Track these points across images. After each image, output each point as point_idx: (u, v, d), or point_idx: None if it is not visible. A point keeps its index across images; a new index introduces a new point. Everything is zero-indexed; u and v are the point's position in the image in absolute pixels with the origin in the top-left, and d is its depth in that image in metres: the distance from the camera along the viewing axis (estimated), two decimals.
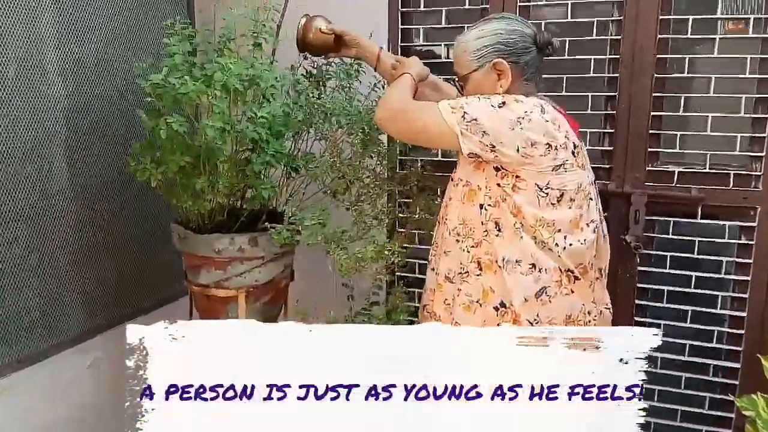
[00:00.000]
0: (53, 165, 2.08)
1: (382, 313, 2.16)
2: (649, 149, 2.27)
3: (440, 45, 2.50)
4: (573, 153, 1.60)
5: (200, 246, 1.96)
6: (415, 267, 2.50)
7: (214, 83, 1.66)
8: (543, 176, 1.55)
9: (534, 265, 1.58)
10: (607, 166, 2.33)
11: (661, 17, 2.19)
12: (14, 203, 1.97)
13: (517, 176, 1.56)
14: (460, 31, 2.34)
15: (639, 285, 2.34)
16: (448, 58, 2.45)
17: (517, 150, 1.51)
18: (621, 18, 2.24)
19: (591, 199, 1.67)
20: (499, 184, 1.57)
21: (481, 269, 1.62)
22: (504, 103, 1.53)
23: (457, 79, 1.72)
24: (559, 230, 1.59)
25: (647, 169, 2.27)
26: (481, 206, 1.60)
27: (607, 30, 2.30)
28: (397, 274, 2.49)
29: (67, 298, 2.18)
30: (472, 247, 1.62)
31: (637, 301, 2.35)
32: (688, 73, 2.20)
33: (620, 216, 2.31)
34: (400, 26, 2.51)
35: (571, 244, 1.60)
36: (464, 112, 1.53)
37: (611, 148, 2.32)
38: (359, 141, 1.89)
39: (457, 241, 1.65)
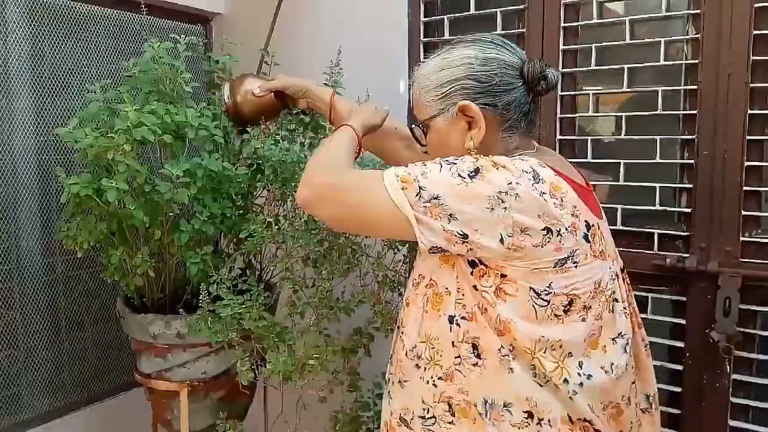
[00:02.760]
0: (23, 227, 1.90)
1: None
2: (745, 212, 1.64)
3: None
4: (586, 237, 1.06)
5: (136, 329, 1.63)
6: None
7: (119, 135, 1.34)
8: (541, 276, 1.04)
9: (531, 414, 1.05)
10: (685, 234, 1.72)
11: (755, 32, 1.59)
12: None
13: (502, 275, 1.04)
14: (491, 21, 1.95)
15: (734, 400, 1.68)
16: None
17: (501, 240, 1.01)
18: (698, 36, 1.66)
19: (617, 300, 1.13)
20: (476, 287, 1.06)
21: (453, 415, 1.08)
22: (477, 170, 1.02)
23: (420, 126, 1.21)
24: (570, 354, 1.06)
25: (742, 239, 1.65)
26: (451, 319, 1.08)
27: (680, 53, 1.73)
28: None
29: (35, 373, 1.97)
30: (440, 379, 1.09)
31: (731, 423, 1.68)
32: None
33: (704, 304, 1.68)
34: (422, 19, 2.09)
35: (590, 376, 1.06)
36: (419, 188, 1.02)
37: (689, 210, 1.71)
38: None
39: (417, 367, 1.12)
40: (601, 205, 1.79)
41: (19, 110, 1.87)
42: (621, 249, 1.75)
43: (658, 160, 1.74)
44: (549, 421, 1.05)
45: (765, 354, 1.65)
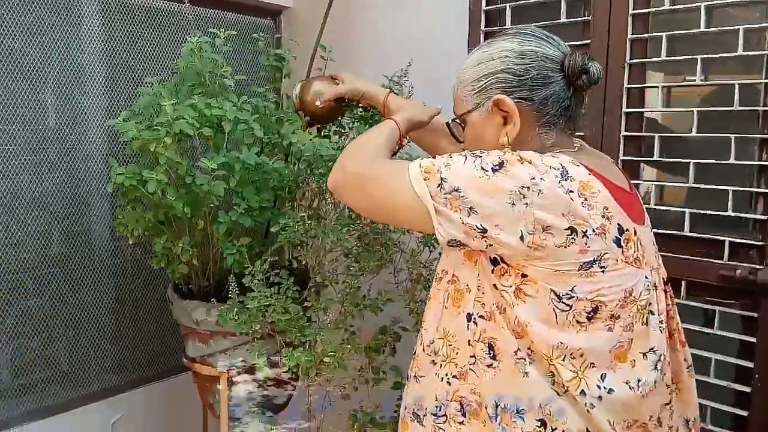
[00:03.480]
0: (93, 211, 2.02)
1: None
2: None
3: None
4: (618, 241, 0.99)
5: (182, 314, 1.69)
6: None
7: (161, 128, 1.38)
8: (563, 278, 0.98)
9: (544, 423, 1.00)
10: (759, 244, 1.56)
11: None
12: (49, 249, 1.92)
13: (522, 275, 1.00)
14: (554, 9, 1.84)
15: None
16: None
17: (521, 237, 0.96)
18: None
19: (652, 312, 1.05)
20: (496, 286, 1.02)
21: (464, 416, 1.06)
22: (502, 164, 0.98)
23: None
24: (592, 365, 1.00)
25: None
26: (469, 317, 1.05)
27: (761, 41, 1.55)
28: None
29: (99, 351, 2.09)
30: (454, 377, 1.07)
31: None
32: None
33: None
34: (483, 8, 2.01)
35: (611, 390, 1.00)
36: (441, 179, 0.99)
37: (765, 217, 1.54)
38: None
39: (433, 363, 1.10)
40: (670, 208, 1.68)
41: (93, 103, 1.98)
42: (687, 257, 1.64)
43: (732, 160, 1.58)
44: None
45: None
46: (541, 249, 0.96)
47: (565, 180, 0.97)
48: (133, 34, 2.05)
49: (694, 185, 1.65)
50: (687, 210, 1.66)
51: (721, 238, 1.61)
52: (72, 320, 2.00)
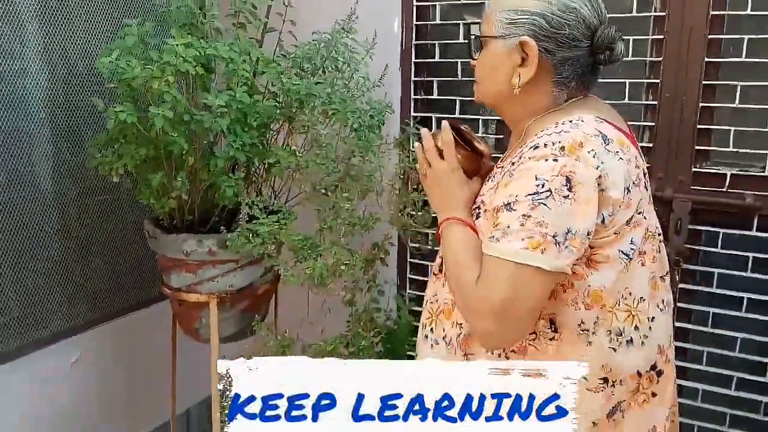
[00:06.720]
0: (35, 155, 1.97)
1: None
2: (697, 147, 1.92)
3: (458, 24, 2.20)
4: (646, 186, 1.13)
5: (169, 247, 1.79)
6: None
7: (165, 67, 1.46)
8: (625, 238, 1.06)
9: (606, 380, 1.08)
10: (646, 166, 1.99)
11: None
12: None
13: (590, 246, 1.04)
14: (480, 7, 2.12)
15: (680, 305, 2.00)
16: (467, 39, 2.15)
17: (603, 221, 1.03)
18: None
19: (659, 234, 1.18)
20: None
21: None
22: (569, 179, 0.98)
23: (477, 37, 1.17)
24: (642, 299, 1.09)
25: (693, 170, 1.93)
26: None
27: (649, 5, 1.95)
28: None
29: (50, 294, 2.07)
30: (512, 351, 1.09)
31: (677, 324, 2.01)
32: (746, 57, 1.81)
33: (659, 224, 1.97)
34: (414, 3, 2.24)
35: (652, 318, 1.11)
36: (555, 241, 0.98)
37: (651, 145, 1.97)
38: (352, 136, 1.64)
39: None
40: None
41: (30, 49, 1.90)
42: None
43: (626, 101, 1.99)
44: (622, 381, 1.08)
45: (706, 267, 1.97)
46: (614, 223, 1.03)
47: (607, 144, 1.01)
48: None
49: None
50: None
51: None
52: (18, 264, 1.97)
